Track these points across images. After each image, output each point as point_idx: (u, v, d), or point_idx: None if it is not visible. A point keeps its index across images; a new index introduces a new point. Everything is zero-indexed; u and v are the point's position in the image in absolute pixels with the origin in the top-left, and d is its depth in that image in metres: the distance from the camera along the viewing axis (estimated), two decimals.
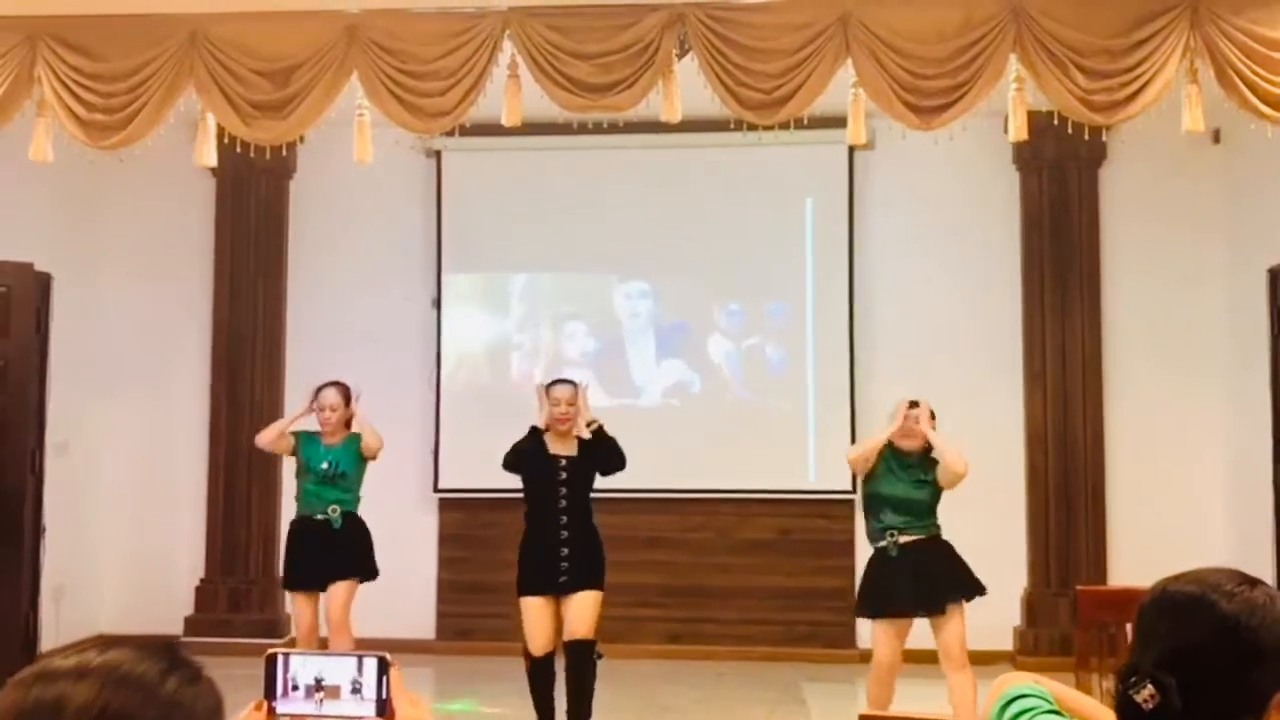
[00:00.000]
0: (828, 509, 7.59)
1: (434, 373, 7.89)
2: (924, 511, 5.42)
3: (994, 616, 7.24)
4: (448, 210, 7.92)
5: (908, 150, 6.24)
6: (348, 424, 6.07)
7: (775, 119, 5.14)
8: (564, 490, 5.53)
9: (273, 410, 7.56)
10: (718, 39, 5.08)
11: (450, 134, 6.56)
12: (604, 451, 5.60)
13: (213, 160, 5.57)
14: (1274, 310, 6.83)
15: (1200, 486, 7.41)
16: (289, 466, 7.58)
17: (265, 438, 6.20)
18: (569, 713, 5.48)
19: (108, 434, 7.88)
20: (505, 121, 5.19)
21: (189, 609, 7.84)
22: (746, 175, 7.70)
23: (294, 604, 6.11)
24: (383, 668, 1.48)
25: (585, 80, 5.13)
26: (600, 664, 5.56)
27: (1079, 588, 4.55)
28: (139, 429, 7.95)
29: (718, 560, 7.73)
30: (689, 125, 5.46)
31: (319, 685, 1.47)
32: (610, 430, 5.65)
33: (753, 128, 5.34)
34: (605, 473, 5.62)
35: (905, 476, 5.42)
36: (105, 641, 1.19)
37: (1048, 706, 1.78)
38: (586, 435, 5.61)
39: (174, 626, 7.78)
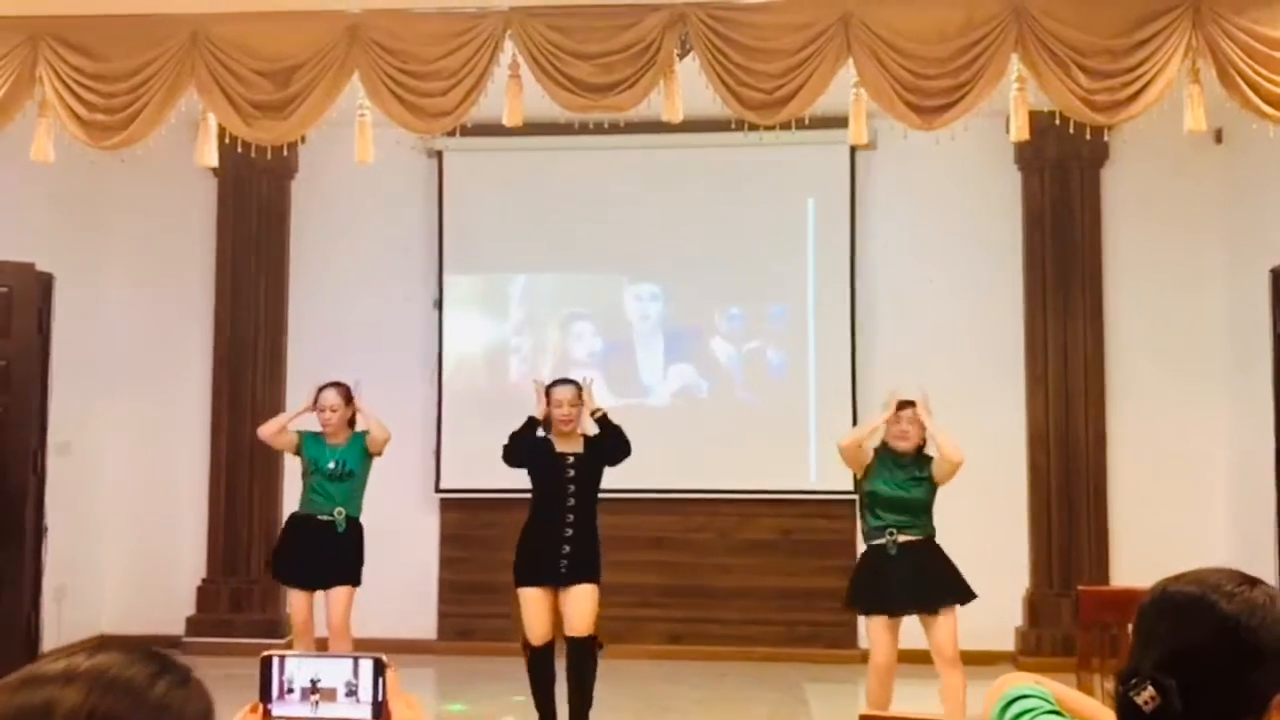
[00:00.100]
0: (829, 509, 7.59)
1: (435, 373, 7.89)
2: (920, 510, 5.46)
3: (996, 617, 7.26)
4: (449, 210, 7.92)
5: (909, 150, 6.24)
6: (351, 423, 6.07)
7: (776, 119, 5.14)
8: (572, 488, 5.55)
9: (274, 410, 7.53)
10: (719, 39, 5.07)
11: (451, 134, 6.59)
12: (610, 440, 5.62)
13: (214, 160, 5.57)
14: (1276, 311, 6.82)
15: (1202, 487, 7.40)
16: (291, 466, 7.58)
17: (266, 430, 6.21)
18: (570, 707, 5.50)
19: (109, 434, 7.89)
20: (506, 122, 5.19)
21: (190, 609, 7.84)
22: (748, 175, 7.69)
23: (290, 600, 6.13)
24: (379, 670, 1.48)
25: (586, 80, 5.13)
26: (601, 664, 5.59)
27: (1081, 588, 4.55)
28: (141, 429, 7.95)
29: (719, 560, 7.73)
30: (690, 125, 5.45)
31: (314, 687, 1.47)
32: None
33: (754, 128, 5.34)
34: (613, 462, 5.64)
35: (901, 475, 5.48)
36: (93, 646, 1.18)
37: (1048, 707, 1.78)
38: (593, 432, 5.63)
39: (176, 626, 7.78)
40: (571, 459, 5.57)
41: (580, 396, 5.61)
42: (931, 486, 5.49)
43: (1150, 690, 1.48)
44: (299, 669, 1.48)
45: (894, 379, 6.05)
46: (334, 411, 5.99)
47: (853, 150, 7.28)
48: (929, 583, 5.35)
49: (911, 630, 5.43)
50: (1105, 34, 4.96)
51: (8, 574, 6.56)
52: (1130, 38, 4.94)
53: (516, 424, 5.69)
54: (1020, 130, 5.15)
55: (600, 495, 5.67)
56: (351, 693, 1.47)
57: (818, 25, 5.05)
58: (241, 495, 7.84)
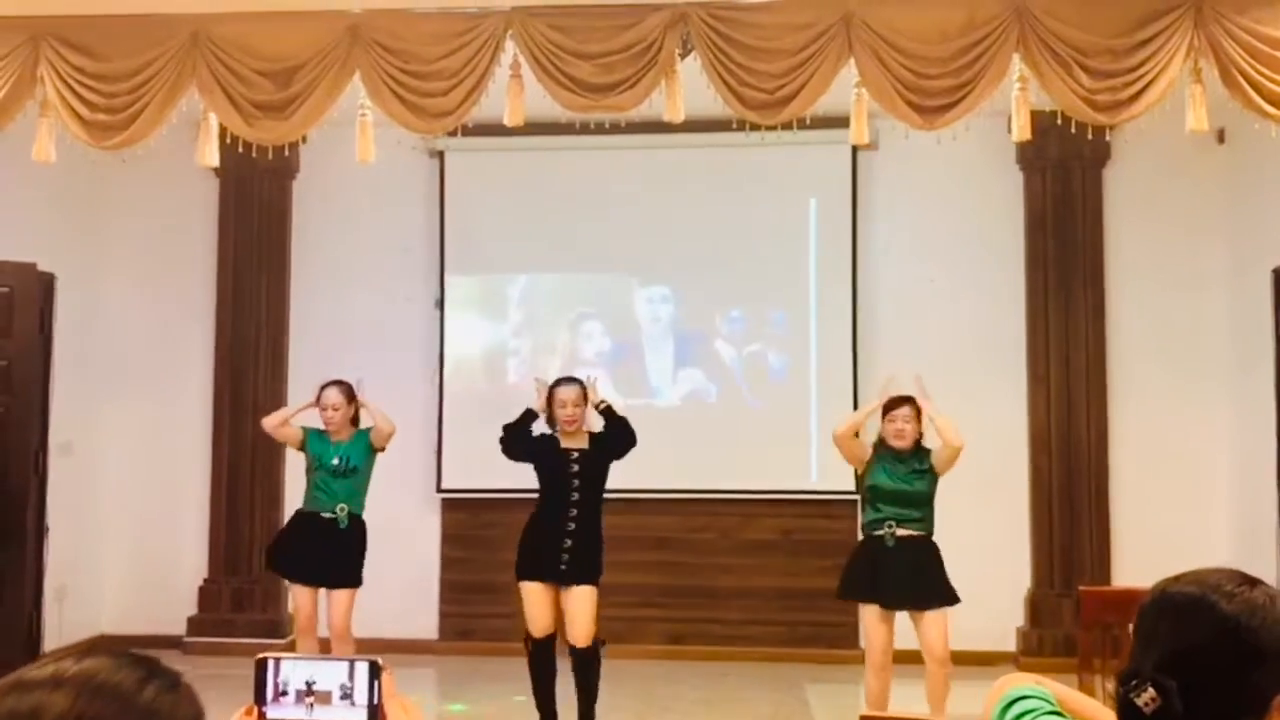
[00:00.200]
0: (830, 509, 7.58)
1: (436, 373, 7.89)
2: (922, 503, 5.49)
3: (997, 617, 7.27)
4: (450, 210, 7.92)
5: (911, 150, 6.24)
6: (354, 421, 6.12)
7: (778, 119, 5.13)
8: (576, 483, 5.57)
9: (276, 410, 7.55)
10: (720, 39, 5.07)
11: (453, 134, 6.59)
12: (614, 431, 5.65)
13: (215, 160, 5.57)
14: (1278, 311, 6.81)
15: (1204, 487, 7.40)
16: (292, 466, 7.60)
17: (269, 421, 6.26)
18: (579, 711, 5.53)
19: (111, 434, 7.89)
20: (508, 122, 5.19)
21: (192, 609, 7.84)
22: (749, 176, 7.69)
23: (294, 596, 6.15)
24: (374, 672, 1.47)
25: (588, 80, 5.13)
26: (603, 664, 5.61)
27: (1082, 588, 4.54)
28: (142, 429, 7.95)
29: (721, 561, 7.72)
30: (691, 125, 5.45)
31: (310, 690, 1.46)
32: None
33: (755, 128, 5.34)
34: (618, 454, 5.66)
35: (902, 469, 5.52)
36: (83, 652, 1.17)
37: (1049, 708, 1.77)
38: (599, 428, 5.64)
39: (177, 626, 7.78)
40: (575, 454, 5.59)
41: (584, 396, 5.62)
42: (933, 478, 5.53)
43: (1151, 691, 1.48)
44: (294, 671, 1.47)
45: (900, 390, 6.06)
46: (336, 410, 6.03)
47: (854, 150, 7.28)
48: (922, 580, 5.39)
49: (911, 632, 5.45)
50: (1107, 33, 4.95)
51: (9, 574, 6.56)
52: (1132, 37, 4.93)
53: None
54: (1022, 130, 5.14)
55: (604, 495, 5.68)
56: (346, 696, 1.47)
57: (819, 25, 5.05)
58: (243, 495, 7.84)
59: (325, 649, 6.05)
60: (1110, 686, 1.54)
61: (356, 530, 6.03)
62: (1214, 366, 7.44)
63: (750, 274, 7.78)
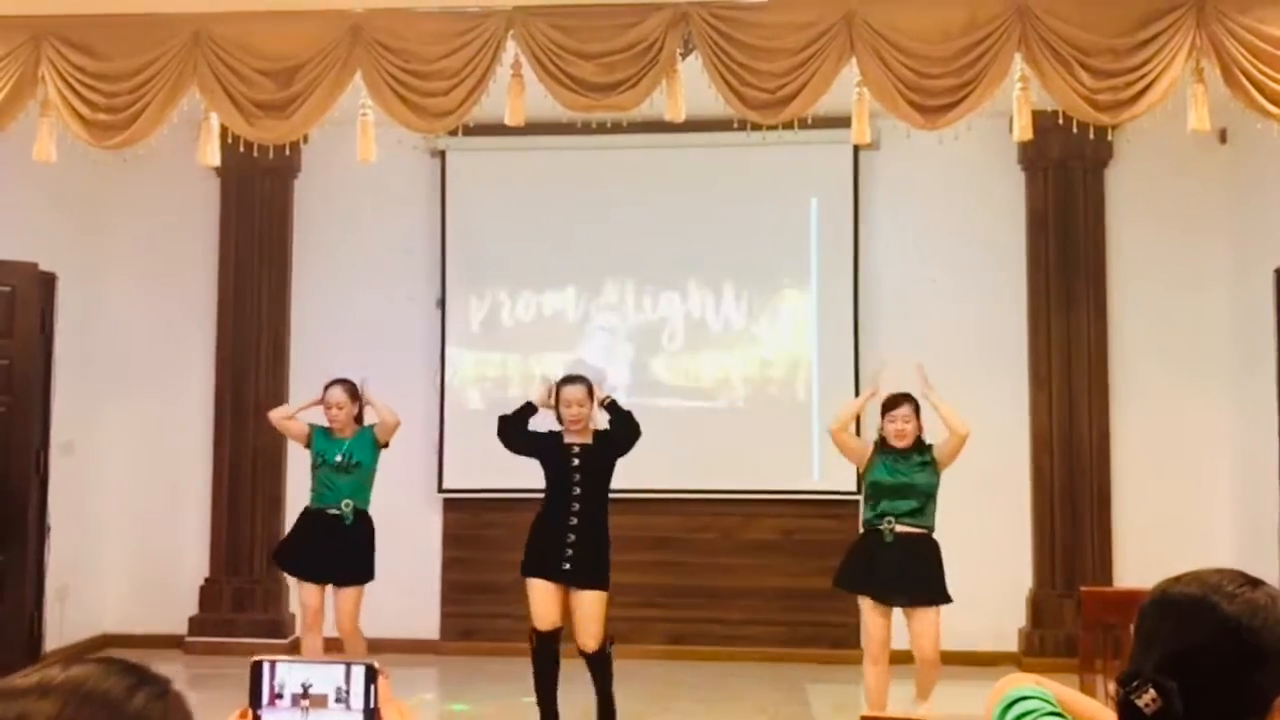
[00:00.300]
0: (832, 509, 7.57)
1: (438, 372, 7.89)
2: (924, 497, 5.51)
3: (999, 617, 7.26)
4: (451, 210, 7.92)
5: (912, 150, 6.24)
6: (359, 420, 6.18)
7: (779, 118, 5.13)
8: (577, 477, 5.59)
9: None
10: (721, 38, 5.06)
11: (454, 134, 6.59)
12: (618, 424, 5.68)
13: (216, 160, 5.57)
14: None
15: (1206, 488, 7.39)
16: (294, 466, 7.61)
17: (275, 414, 6.39)
18: (598, 705, 5.63)
19: (112, 434, 7.89)
20: (509, 121, 5.19)
21: (193, 609, 7.84)
22: (750, 175, 7.69)
23: (300, 590, 6.17)
24: (370, 677, 1.46)
25: (589, 80, 5.12)
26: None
27: (1083, 589, 4.53)
28: (144, 429, 7.95)
29: (722, 561, 7.72)
30: (693, 125, 5.45)
31: (305, 693, 1.45)
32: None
33: (757, 127, 5.34)
34: (624, 447, 5.68)
35: (902, 465, 5.54)
36: (68, 658, 1.15)
37: (1050, 708, 1.77)
38: (604, 426, 5.68)
39: (178, 626, 7.79)
40: (577, 449, 5.61)
41: (590, 395, 5.64)
42: (936, 472, 5.54)
43: (1152, 692, 1.47)
44: (290, 675, 1.47)
45: (897, 378, 6.07)
46: (340, 409, 6.10)
47: (856, 150, 7.27)
48: (916, 577, 5.43)
49: (904, 629, 5.49)
50: (1109, 33, 4.95)
51: (10, 574, 6.56)
52: (1134, 37, 4.93)
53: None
54: (1023, 130, 5.14)
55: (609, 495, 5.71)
56: (342, 699, 1.46)
57: (821, 24, 5.05)
58: (244, 495, 7.84)
59: (330, 647, 6.08)
60: (1111, 687, 1.53)
61: (363, 526, 6.07)
62: (1216, 367, 7.43)
63: (751, 273, 7.78)
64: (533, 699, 5.68)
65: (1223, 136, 7.24)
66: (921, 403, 5.66)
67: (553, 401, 5.67)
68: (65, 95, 5.28)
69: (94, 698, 1.09)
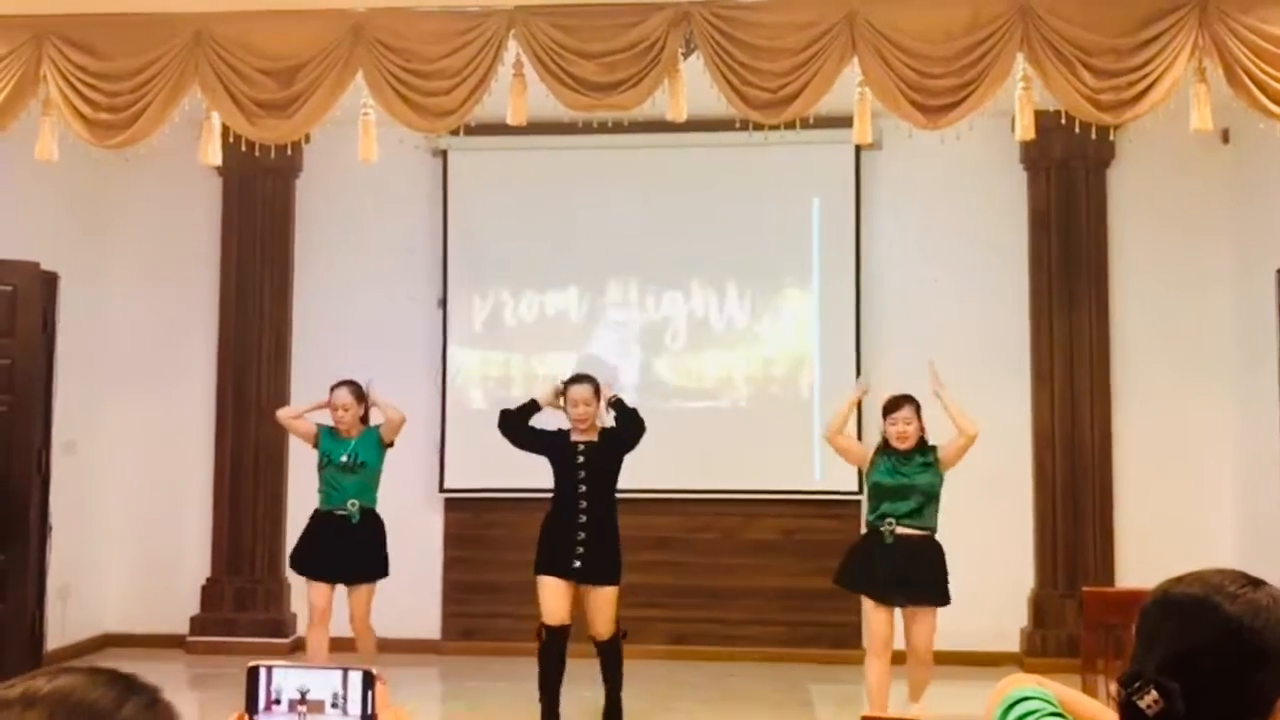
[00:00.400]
0: (833, 509, 7.57)
1: (439, 372, 7.89)
2: (926, 498, 5.50)
3: (1000, 618, 7.25)
4: (453, 209, 7.92)
5: (914, 150, 6.23)
6: (364, 420, 6.24)
7: (781, 118, 5.12)
8: (583, 474, 5.67)
9: (279, 408, 7.56)
10: (723, 37, 5.06)
11: (456, 133, 6.60)
12: (623, 421, 5.75)
13: (218, 159, 5.56)
14: None
15: (1208, 488, 7.38)
16: (295, 465, 7.61)
17: (283, 413, 6.50)
18: (606, 696, 5.75)
19: (114, 433, 7.89)
20: (510, 121, 5.19)
21: (195, 608, 7.84)
22: (752, 175, 7.68)
23: (309, 588, 6.21)
24: (368, 683, 1.46)
25: (590, 79, 5.12)
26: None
27: (1085, 589, 4.53)
28: (145, 428, 7.95)
29: (723, 561, 7.71)
30: (695, 125, 5.45)
31: (303, 699, 1.45)
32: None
33: (759, 127, 5.33)
34: (630, 443, 5.76)
35: (904, 467, 5.54)
36: (55, 669, 1.12)
37: (1052, 709, 1.76)
38: (610, 424, 5.74)
39: (180, 626, 7.79)
40: (582, 447, 5.69)
41: (596, 394, 5.68)
42: (938, 473, 5.54)
43: (1153, 693, 1.47)
44: (286, 680, 1.46)
45: (899, 378, 6.08)
46: (346, 410, 6.17)
47: (858, 149, 7.27)
48: (915, 578, 5.44)
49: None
50: (1111, 33, 4.94)
51: (12, 573, 6.56)
52: (1136, 36, 4.92)
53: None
54: (1025, 130, 5.13)
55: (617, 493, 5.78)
56: (338, 704, 1.45)
57: (822, 24, 5.04)
58: (246, 494, 7.84)
59: (335, 646, 6.14)
60: (1113, 688, 1.52)
61: (371, 524, 6.15)
62: (1218, 366, 7.42)
63: (753, 273, 7.77)
64: (528, 699, 5.71)
65: (1225, 136, 7.22)
66: (931, 400, 5.66)
67: (561, 403, 5.72)
68: (67, 94, 5.28)
69: (82, 709, 1.07)
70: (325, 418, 6.25)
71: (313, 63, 5.23)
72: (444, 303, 7.92)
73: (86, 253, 7.74)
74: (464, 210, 7.91)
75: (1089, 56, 4.92)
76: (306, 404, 6.45)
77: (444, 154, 7.91)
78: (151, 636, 7.74)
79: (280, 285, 7.97)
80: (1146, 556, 7.02)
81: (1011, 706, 1.78)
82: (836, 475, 7.31)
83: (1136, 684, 1.49)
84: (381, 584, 6.21)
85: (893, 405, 5.64)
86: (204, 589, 7.86)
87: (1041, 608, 7.40)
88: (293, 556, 6.34)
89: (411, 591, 7.60)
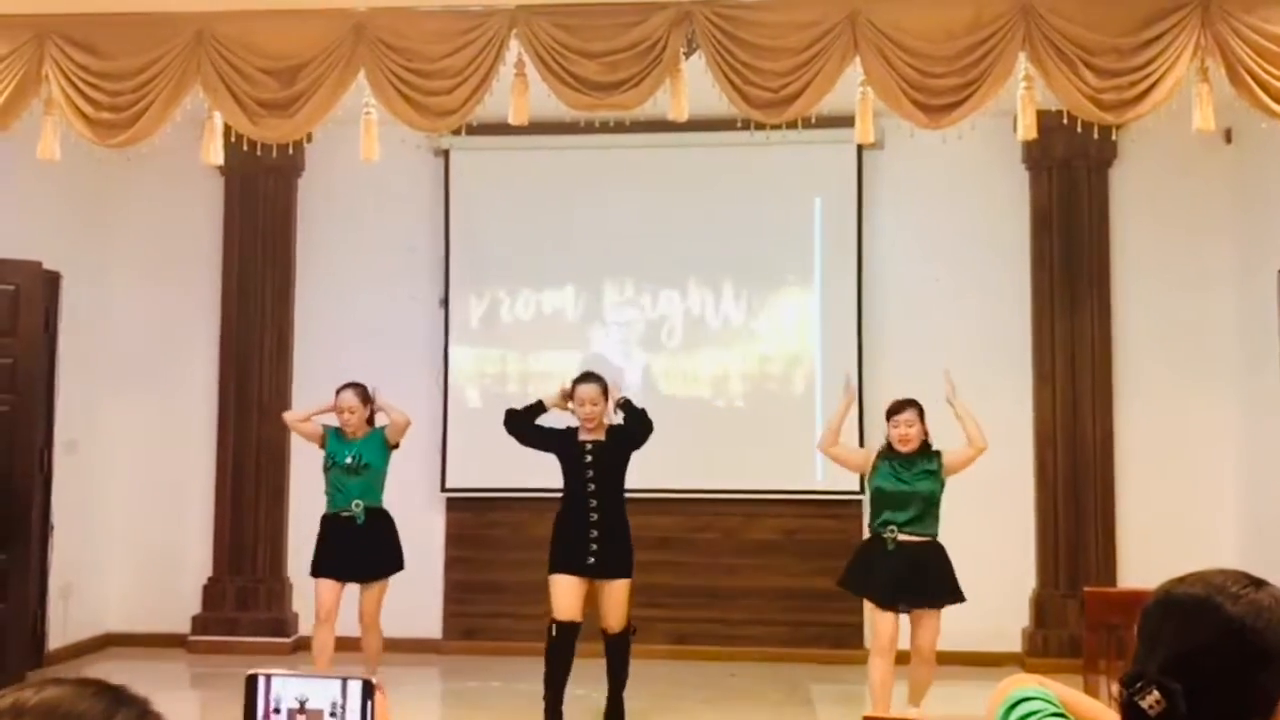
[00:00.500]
0: (835, 509, 7.56)
1: (441, 372, 7.88)
2: (927, 505, 5.50)
3: (1002, 618, 7.24)
4: (455, 209, 7.91)
5: (916, 149, 6.24)
6: (370, 422, 6.28)
7: (783, 117, 5.12)
8: (590, 473, 5.72)
9: (281, 408, 7.56)
10: (725, 37, 5.05)
11: (458, 133, 6.58)
12: (631, 421, 5.80)
13: (220, 158, 5.56)
14: None
15: (1210, 488, 7.37)
16: (297, 465, 7.62)
17: (289, 416, 6.61)
18: (610, 689, 5.80)
19: (116, 432, 7.89)
20: (512, 120, 5.19)
21: (196, 608, 7.84)
22: (754, 174, 7.67)
23: (316, 586, 6.23)
24: (367, 692, 1.45)
25: (592, 79, 5.12)
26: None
27: (1087, 589, 4.53)
28: (147, 427, 7.95)
29: (724, 561, 7.71)
30: (696, 124, 5.45)
31: (302, 708, 1.44)
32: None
33: (760, 127, 5.33)
34: (636, 442, 5.81)
35: (905, 473, 5.53)
36: (43, 680, 1.10)
37: (1053, 709, 1.76)
38: (619, 422, 5.78)
39: (181, 625, 7.79)
40: (590, 446, 5.73)
41: (604, 394, 5.71)
42: (940, 480, 5.54)
43: (1155, 694, 1.47)
44: (285, 689, 1.45)
45: (901, 378, 6.09)
46: (352, 412, 6.21)
47: (859, 149, 7.26)
48: (920, 582, 5.45)
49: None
50: (1113, 32, 4.93)
51: (14, 572, 6.55)
52: (1138, 36, 4.91)
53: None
54: (1028, 129, 5.12)
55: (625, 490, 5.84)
56: (337, 714, 1.45)
57: (824, 23, 5.04)
58: (248, 494, 7.84)
59: (339, 646, 6.17)
60: (1115, 688, 1.52)
61: (379, 522, 6.21)
62: (1220, 367, 7.41)
63: (755, 272, 7.77)
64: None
65: (1228, 136, 7.22)
66: (940, 406, 5.66)
67: (570, 406, 5.76)
68: (69, 94, 5.28)
69: None
70: (330, 419, 6.28)
71: (314, 62, 5.23)
72: (445, 302, 7.91)
73: (88, 252, 7.74)
74: (466, 210, 7.91)
75: (1091, 56, 4.91)
76: (313, 407, 6.48)
77: (446, 154, 7.91)
78: (153, 636, 7.75)
79: (282, 285, 7.97)
80: (1148, 556, 7.01)
81: (1013, 707, 1.78)
82: (838, 475, 7.27)
83: (1138, 684, 1.49)
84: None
85: (896, 408, 5.65)
86: (205, 588, 7.86)
87: (1043, 608, 7.40)
88: (312, 565, 6.30)
89: (413, 591, 7.57)
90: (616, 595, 5.73)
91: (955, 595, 5.51)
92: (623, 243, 7.85)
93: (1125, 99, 4.90)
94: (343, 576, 6.15)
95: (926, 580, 5.47)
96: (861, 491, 6.39)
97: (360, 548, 6.15)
